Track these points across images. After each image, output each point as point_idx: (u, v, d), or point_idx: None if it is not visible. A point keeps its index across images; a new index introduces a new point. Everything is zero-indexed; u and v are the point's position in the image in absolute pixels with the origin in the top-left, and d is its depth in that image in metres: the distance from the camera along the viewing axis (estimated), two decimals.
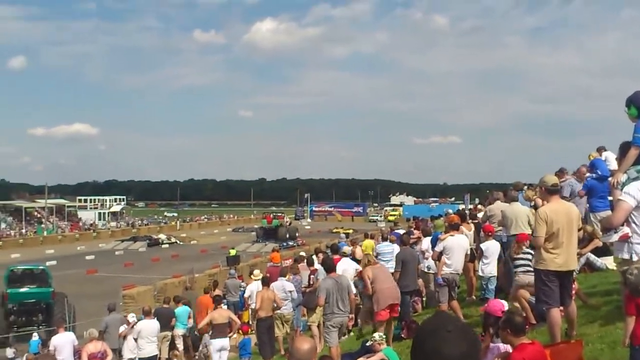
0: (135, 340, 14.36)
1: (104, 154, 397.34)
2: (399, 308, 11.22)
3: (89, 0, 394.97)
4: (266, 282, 13.47)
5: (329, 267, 10.60)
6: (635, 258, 5.38)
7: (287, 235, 65.64)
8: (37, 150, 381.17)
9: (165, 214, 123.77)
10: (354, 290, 12.82)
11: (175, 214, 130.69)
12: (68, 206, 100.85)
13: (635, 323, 5.08)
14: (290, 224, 76.13)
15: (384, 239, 16.40)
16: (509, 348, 5.57)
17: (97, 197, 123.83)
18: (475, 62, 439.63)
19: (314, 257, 15.74)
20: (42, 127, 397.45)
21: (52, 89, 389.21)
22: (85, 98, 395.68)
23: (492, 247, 10.89)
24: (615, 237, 5.53)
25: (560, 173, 12.97)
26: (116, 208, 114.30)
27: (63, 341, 13.71)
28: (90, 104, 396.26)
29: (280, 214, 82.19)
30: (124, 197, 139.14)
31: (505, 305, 6.61)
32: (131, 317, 15.15)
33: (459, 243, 10.47)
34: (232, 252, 45.69)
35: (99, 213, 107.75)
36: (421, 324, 2.09)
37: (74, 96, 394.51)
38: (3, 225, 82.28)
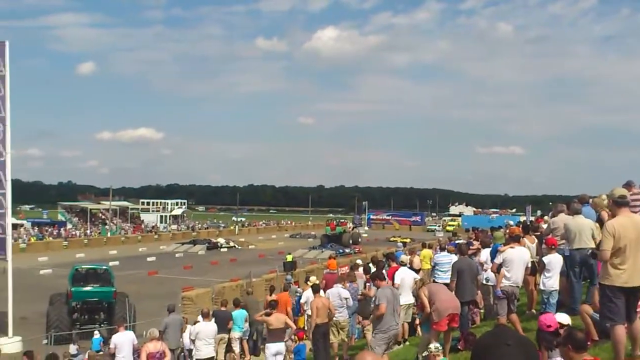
0: (193, 341, 14.61)
1: (167, 159, 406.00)
2: (459, 319, 11.10)
3: (155, 8, 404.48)
4: (317, 289, 13.48)
5: (379, 277, 10.73)
6: None
7: (350, 241, 68.14)
8: (103, 153, 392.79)
9: (233, 218, 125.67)
10: (412, 300, 12.76)
11: (243, 219, 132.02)
12: (131, 208, 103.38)
13: None
14: (353, 229, 78.22)
15: (442, 249, 16.21)
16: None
17: (159, 200, 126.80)
18: (541, 71, 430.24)
19: (371, 265, 15.70)
20: (108, 131, 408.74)
21: (119, 94, 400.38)
22: (151, 103, 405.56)
23: (554, 261, 10.61)
24: None
25: (628, 186, 12.56)
26: (177, 211, 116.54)
27: (123, 340, 14.03)
28: (155, 109, 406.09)
29: (343, 221, 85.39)
30: (185, 200, 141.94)
31: (555, 320, 6.42)
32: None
33: (519, 255, 10.26)
34: (289, 258, 45.96)
35: (161, 216, 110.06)
36: (480, 337, 2.06)
37: (140, 101, 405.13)
38: (69, 226, 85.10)
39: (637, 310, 6.51)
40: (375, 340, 10.27)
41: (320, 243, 69.84)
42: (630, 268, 6.08)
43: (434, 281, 13.21)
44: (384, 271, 13.93)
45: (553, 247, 10.86)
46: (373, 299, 10.43)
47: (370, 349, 10.20)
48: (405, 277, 13.09)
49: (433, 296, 10.18)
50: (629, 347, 6.50)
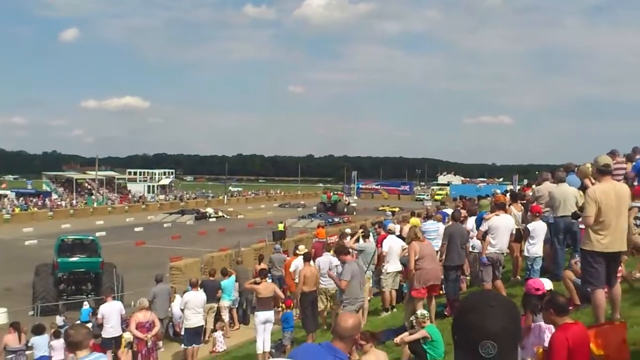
0: (182, 310, 14.70)
1: (154, 128, 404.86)
2: (442, 287, 11.27)
3: None
4: (308, 258, 13.57)
5: (342, 251, 11.03)
6: None
7: (345, 210, 71.63)
8: (88, 122, 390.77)
9: (230, 188, 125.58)
10: (400, 267, 12.89)
11: (240, 189, 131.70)
12: (118, 178, 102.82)
13: None
14: (348, 202, 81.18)
15: (428, 217, 16.32)
16: (551, 328, 5.54)
17: (146, 170, 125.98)
18: (530, 41, 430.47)
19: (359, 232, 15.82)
20: (94, 100, 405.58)
21: (104, 62, 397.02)
22: (137, 71, 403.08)
23: (538, 228, 10.74)
24: None
25: (612, 155, 12.67)
26: (165, 181, 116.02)
27: (111, 310, 14.08)
28: (142, 77, 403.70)
29: (339, 192, 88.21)
30: (173, 170, 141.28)
31: (543, 284, 6.53)
32: None
33: (504, 223, 10.37)
34: (280, 227, 46.29)
35: (148, 186, 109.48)
36: (464, 299, 2.09)
37: (126, 69, 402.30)
38: (54, 196, 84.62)
39: (617, 275, 6.63)
40: (343, 312, 10.45)
41: (316, 211, 71.68)
42: (611, 234, 6.18)
43: None
44: (362, 241, 14.13)
45: (537, 214, 10.98)
46: (343, 274, 10.65)
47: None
48: (393, 244, 13.20)
49: (419, 261, 10.32)
50: (609, 311, 6.62)
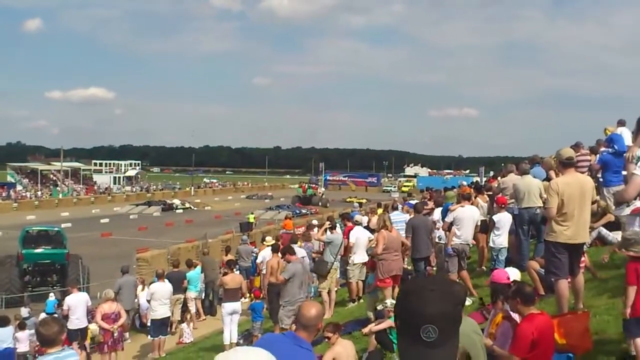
0: (149, 302, 14.60)
1: (119, 119, 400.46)
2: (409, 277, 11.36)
3: None
4: (276, 248, 13.56)
5: (289, 252, 11.47)
6: None
7: (319, 203, 73.27)
8: (53, 113, 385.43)
9: (205, 180, 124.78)
10: (366, 258, 12.97)
11: (215, 180, 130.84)
12: (83, 169, 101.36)
13: (636, 294, 5.12)
14: (322, 194, 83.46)
15: (394, 209, 16.43)
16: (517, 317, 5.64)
17: (112, 161, 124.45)
18: (493, 35, 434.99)
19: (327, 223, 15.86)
20: (58, 91, 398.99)
21: (70, 52, 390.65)
22: (102, 62, 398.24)
23: (504, 219, 10.89)
24: (627, 211, 5.54)
25: (576, 147, 12.87)
26: (131, 172, 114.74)
27: (77, 301, 13.91)
28: (107, 68, 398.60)
29: (314, 185, 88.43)
30: (139, 161, 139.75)
31: (510, 274, 6.64)
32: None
33: (469, 214, 10.48)
34: (251, 218, 46.41)
35: (114, 177, 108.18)
36: (406, 283, 2.10)
37: (91, 60, 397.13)
38: (19, 187, 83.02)
39: (581, 265, 6.75)
40: (283, 312, 10.84)
41: (292, 203, 72.45)
42: (574, 225, 6.28)
43: None
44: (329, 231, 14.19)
45: (503, 206, 11.12)
46: (286, 273, 10.90)
47: (279, 322, 10.98)
48: (360, 236, 13.25)
49: (384, 251, 10.46)
50: (572, 300, 6.75)
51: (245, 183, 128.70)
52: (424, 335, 1.83)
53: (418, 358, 1.84)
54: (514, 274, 6.98)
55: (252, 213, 51.61)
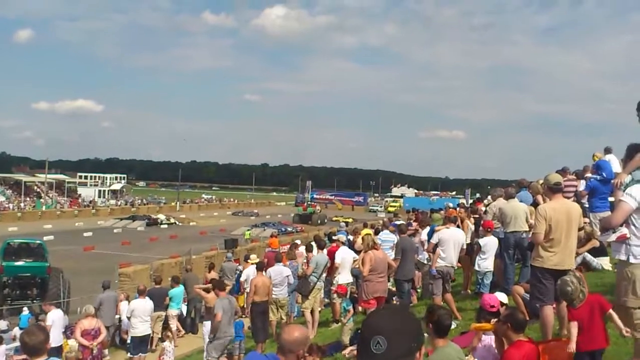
0: (129, 318, 14.39)
1: (106, 132, 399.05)
2: (394, 299, 11.30)
3: None
4: (261, 267, 13.44)
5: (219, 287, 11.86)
6: (632, 260, 5.33)
7: (319, 221, 75.39)
8: (39, 124, 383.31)
9: (204, 195, 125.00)
10: (351, 279, 12.87)
11: (213, 197, 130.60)
12: (68, 182, 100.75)
13: (581, 330, 5.24)
14: (320, 211, 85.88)
15: (385, 227, 16.40)
16: (490, 339, 5.65)
17: (97, 174, 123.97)
18: (484, 58, 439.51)
19: (313, 243, 15.77)
20: (45, 102, 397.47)
21: (59, 63, 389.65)
22: (92, 74, 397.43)
23: (490, 243, 10.86)
24: (613, 237, 5.48)
25: (563, 172, 12.94)
26: (116, 186, 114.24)
27: (58, 318, 13.68)
28: (96, 80, 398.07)
29: (313, 203, 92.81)
30: (125, 175, 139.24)
31: (498, 301, 6.59)
32: None
33: (454, 236, 10.43)
34: (247, 235, 47.05)
35: (99, 190, 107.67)
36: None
37: (80, 72, 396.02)
38: (2, 198, 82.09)
39: None
40: (212, 345, 11.08)
41: (292, 222, 74.84)
42: (561, 251, 6.25)
43: None
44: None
45: (489, 229, 11.09)
46: (214, 309, 11.11)
47: (206, 354, 11.28)
48: (345, 256, 13.16)
49: (370, 272, 10.42)
50: (557, 326, 6.70)
51: (232, 199, 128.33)
52: (373, 347, 1.93)
53: None
54: (502, 298, 6.95)
55: (248, 230, 52.79)
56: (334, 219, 75.03)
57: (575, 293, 5.29)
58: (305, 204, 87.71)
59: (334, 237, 14.96)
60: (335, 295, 12.42)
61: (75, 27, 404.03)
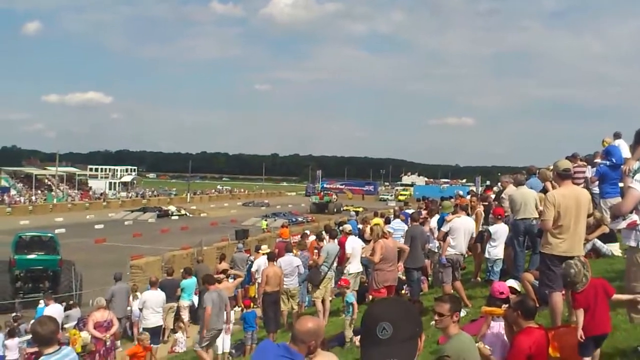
0: (141, 310, 14.47)
1: (116, 124, 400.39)
2: (404, 287, 11.31)
3: None
4: (272, 257, 13.47)
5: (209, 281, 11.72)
6: None
7: (335, 209, 76.72)
8: (50, 117, 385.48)
9: (218, 187, 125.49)
10: (361, 268, 12.91)
11: (229, 188, 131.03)
12: (79, 175, 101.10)
13: (586, 315, 5.19)
14: (337, 200, 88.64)
15: (395, 217, 16.40)
16: (500, 327, 5.64)
17: (108, 167, 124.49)
18: (492, 44, 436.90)
19: (323, 233, 15.79)
20: (55, 94, 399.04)
21: (68, 56, 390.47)
22: (101, 66, 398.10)
23: (500, 230, 10.82)
24: (623, 224, 5.47)
25: (573, 158, 12.87)
26: (127, 178, 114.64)
27: (53, 313, 13.67)
28: (106, 72, 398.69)
29: (329, 192, 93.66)
30: (135, 167, 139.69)
31: (507, 288, 6.59)
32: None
33: (464, 225, 10.41)
34: (263, 225, 49.49)
35: (110, 182, 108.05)
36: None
37: (90, 64, 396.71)
38: (13, 192, 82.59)
39: None
40: (200, 336, 11.31)
41: (309, 211, 77.33)
42: (570, 238, 6.22)
43: None
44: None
45: (500, 217, 11.06)
46: (203, 302, 11.39)
47: (195, 345, 11.57)
48: (355, 246, 13.19)
49: (380, 261, 10.46)
50: (566, 313, 6.68)
51: (242, 190, 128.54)
52: (380, 334, 1.99)
53: (377, 355, 1.97)
54: (515, 284, 6.97)
55: (265, 220, 53.79)
56: (344, 208, 75.14)
57: (578, 276, 5.26)
58: (322, 192, 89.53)
59: (340, 228, 14.94)
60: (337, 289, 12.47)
61: (83, 18, 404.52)
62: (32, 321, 15.57)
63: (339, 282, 11.42)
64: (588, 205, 6.57)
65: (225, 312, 11.56)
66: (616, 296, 5.34)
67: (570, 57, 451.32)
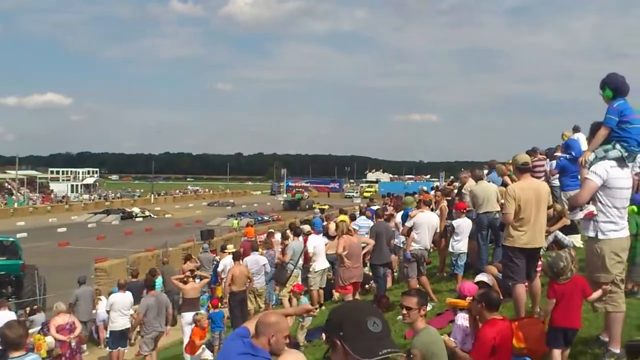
0: (108, 312, 14.31)
1: (77, 125, 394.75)
2: (371, 283, 11.39)
3: None
4: (237, 256, 13.45)
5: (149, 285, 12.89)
6: (600, 236, 5.44)
7: (307, 206, 77.41)
8: (8, 120, 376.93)
9: (189, 187, 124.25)
10: (327, 265, 12.96)
11: (198, 188, 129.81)
12: (40, 178, 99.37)
13: (555, 306, 5.34)
14: (308, 197, 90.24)
15: (361, 214, 16.51)
16: (464, 319, 5.74)
17: (69, 169, 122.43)
18: (454, 41, 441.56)
19: (288, 232, 15.80)
20: (14, 97, 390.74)
21: (26, 57, 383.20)
22: (60, 67, 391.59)
23: (463, 224, 10.96)
24: (580, 215, 5.59)
25: (533, 152, 13.10)
26: (89, 180, 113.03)
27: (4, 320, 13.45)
28: (65, 73, 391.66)
29: (301, 189, 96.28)
30: (98, 169, 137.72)
31: (474, 291, 6.69)
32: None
33: (428, 220, 10.52)
34: (235, 224, 49.70)
35: (72, 185, 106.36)
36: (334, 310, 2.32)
37: (49, 65, 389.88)
38: None
39: (537, 269, 6.83)
40: (142, 340, 12.14)
41: (283, 209, 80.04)
42: (531, 230, 6.35)
43: None
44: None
45: (463, 211, 11.21)
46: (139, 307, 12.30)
47: (139, 349, 12.44)
48: (317, 244, 13.21)
49: (347, 256, 10.56)
50: (529, 304, 6.83)
51: (207, 190, 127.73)
52: (372, 327, 2.06)
53: (375, 347, 2.03)
54: (485, 278, 7.07)
55: (236, 219, 54.73)
56: (316, 206, 75.40)
57: (565, 269, 5.36)
58: (294, 190, 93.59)
59: (298, 230, 14.96)
60: (291, 294, 12.58)
61: (43, 19, 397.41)
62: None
63: (292, 288, 11.52)
64: (548, 198, 6.71)
65: (166, 315, 12.24)
66: (591, 296, 5.45)
67: (532, 52, 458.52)
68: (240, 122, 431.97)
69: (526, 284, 6.57)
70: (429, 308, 7.34)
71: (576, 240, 10.45)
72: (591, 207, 5.48)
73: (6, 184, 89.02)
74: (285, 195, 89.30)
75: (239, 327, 4.37)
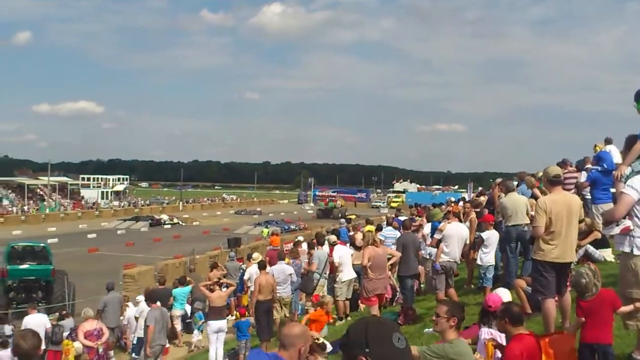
0: (137, 319, 14.42)
1: (108, 133, 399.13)
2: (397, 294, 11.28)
3: None
4: (263, 266, 13.42)
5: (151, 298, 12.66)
6: (636, 252, 5.32)
7: (340, 215, 75.26)
8: (41, 127, 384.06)
9: (224, 195, 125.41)
10: (354, 275, 12.89)
11: (234, 196, 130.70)
12: (71, 184, 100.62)
13: (586, 323, 5.29)
14: (342, 206, 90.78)
15: (388, 224, 16.39)
16: (495, 333, 5.62)
17: (100, 176, 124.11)
18: (481, 51, 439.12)
19: (314, 241, 15.74)
20: (47, 104, 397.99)
21: (59, 65, 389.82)
22: (92, 76, 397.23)
23: (492, 237, 10.83)
24: (616, 230, 5.47)
25: (563, 164, 12.92)
26: (119, 187, 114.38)
27: (35, 323, 13.54)
28: (97, 82, 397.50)
29: (334, 198, 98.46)
30: (127, 176, 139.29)
31: (498, 301, 6.58)
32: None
33: (457, 232, 10.41)
34: (264, 232, 48.81)
35: (102, 192, 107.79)
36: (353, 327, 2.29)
37: (80, 74, 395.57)
38: (5, 202, 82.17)
39: (567, 284, 6.70)
40: (144, 353, 12.12)
41: (316, 217, 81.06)
42: (562, 244, 6.22)
43: None
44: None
45: (491, 223, 11.07)
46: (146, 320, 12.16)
47: None
48: (342, 254, 13.16)
49: (371, 267, 10.48)
50: (559, 319, 6.69)
51: (234, 198, 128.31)
52: (397, 343, 2.07)
53: None
54: (505, 296, 6.93)
55: (266, 227, 53.87)
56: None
57: (589, 285, 5.27)
58: (327, 199, 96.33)
59: (322, 239, 14.89)
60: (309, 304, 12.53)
61: (74, 28, 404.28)
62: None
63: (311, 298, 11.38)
64: (579, 211, 6.57)
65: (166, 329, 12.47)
66: (621, 309, 5.34)
67: (559, 63, 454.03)
68: (268, 130, 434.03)
69: (556, 298, 6.45)
70: None
71: (607, 254, 10.27)
72: (627, 222, 5.36)
73: (38, 190, 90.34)
74: (312, 204, 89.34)
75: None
